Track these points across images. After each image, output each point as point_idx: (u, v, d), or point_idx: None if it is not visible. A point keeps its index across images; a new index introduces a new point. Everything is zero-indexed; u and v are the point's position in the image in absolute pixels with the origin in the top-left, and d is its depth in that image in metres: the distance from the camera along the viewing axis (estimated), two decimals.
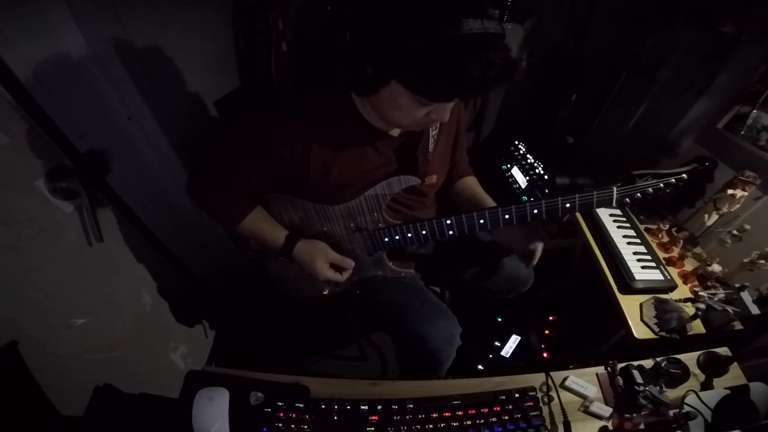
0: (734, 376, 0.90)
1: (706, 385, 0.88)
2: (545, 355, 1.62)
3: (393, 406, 0.77)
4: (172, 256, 1.24)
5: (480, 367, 1.57)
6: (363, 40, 0.66)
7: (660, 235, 1.35)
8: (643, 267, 1.19)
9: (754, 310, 1.03)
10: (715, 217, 1.26)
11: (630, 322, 1.08)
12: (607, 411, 0.80)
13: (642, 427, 0.78)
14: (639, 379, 0.82)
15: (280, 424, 0.73)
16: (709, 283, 1.18)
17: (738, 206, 1.20)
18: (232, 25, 1.33)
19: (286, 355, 1.63)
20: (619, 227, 1.34)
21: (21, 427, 0.80)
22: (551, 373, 0.86)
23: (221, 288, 1.56)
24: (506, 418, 0.78)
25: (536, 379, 0.86)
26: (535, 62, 1.94)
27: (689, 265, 1.26)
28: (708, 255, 1.26)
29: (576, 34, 1.85)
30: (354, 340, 1.63)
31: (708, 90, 1.49)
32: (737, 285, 1.09)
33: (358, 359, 1.63)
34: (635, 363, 0.87)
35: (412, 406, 0.78)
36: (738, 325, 1.06)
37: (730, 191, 1.19)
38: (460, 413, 0.78)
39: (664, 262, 1.23)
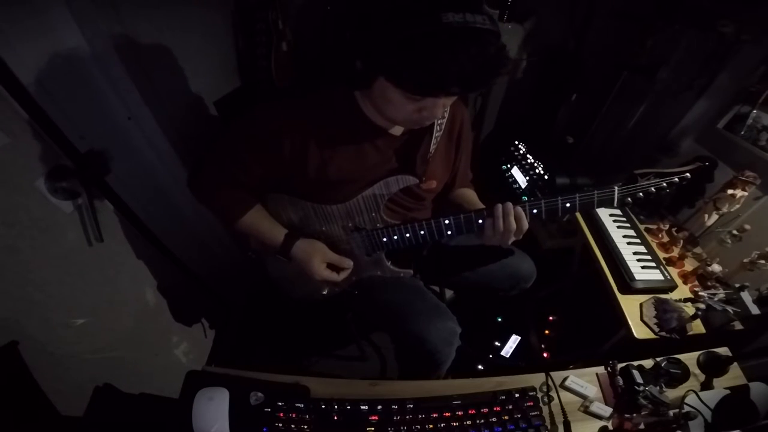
0: (734, 376, 0.90)
1: (706, 385, 0.88)
2: (545, 355, 1.62)
3: (393, 406, 0.77)
4: (172, 255, 1.24)
5: (480, 367, 1.56)
6: (354, 35, 0.69)
7: (660, 235, 1.35)
8: (643, 267, 1.19)
9: (754, 310, 1.03)
10: (715, 217, 1.26)
11: (630, 322, 1.08)
12: (607, 411, 0.80)
13: (642, 427, 0.78)
14: (639, 379, 0.82)
15: (280, 424, 0.73)
16: (709, 283, 1.18)
17: (738, 206, 1.20)
18: (232, 25, 1.33)
19: (286, 355, 1.63)
20: (619, 227, 1.34)
21: (21, 427, 0.80)
22: (551, 373, 0.86)
23: (221, 288, 1.56)
24: (506, 418, 0.78)
25: (536, 379, 0.86)
26: (535, 62, 1.94)
27: (689, 265, 1.26)
28: (708, 255, 1.26)
29: (576, 34, 1.85)
30: (354, 340, 1.63)
31: (708, 90, 1.49)
32: (737, 285, 1.09)
33: (358, 359, 1.63)
34: (635, 363, 0.87)
35: (412, 406, 0.78)
36: (738, 325, 1.06)
37: (730, 191, 1.19)
38: (460, 413, 0.78)
39: (664, 262, 1.23)
